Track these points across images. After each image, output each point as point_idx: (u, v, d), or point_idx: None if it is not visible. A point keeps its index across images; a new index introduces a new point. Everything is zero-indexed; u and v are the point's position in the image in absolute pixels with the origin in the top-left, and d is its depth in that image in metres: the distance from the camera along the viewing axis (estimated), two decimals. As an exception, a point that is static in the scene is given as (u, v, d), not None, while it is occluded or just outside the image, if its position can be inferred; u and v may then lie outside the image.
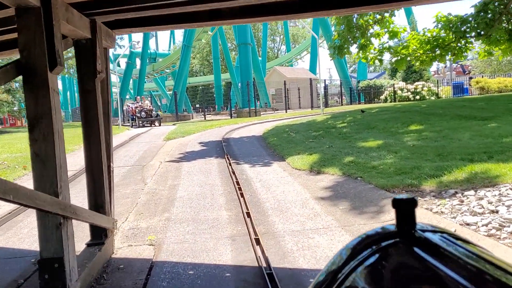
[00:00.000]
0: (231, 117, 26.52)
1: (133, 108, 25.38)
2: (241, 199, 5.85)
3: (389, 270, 0.54)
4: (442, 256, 0.51)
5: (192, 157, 9.86)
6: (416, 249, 0.53)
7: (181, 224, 4.97)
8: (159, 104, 53.74)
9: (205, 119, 28.09)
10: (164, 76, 49.75)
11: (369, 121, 12.01)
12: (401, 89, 30.32)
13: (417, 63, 17.78)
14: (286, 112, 27.97)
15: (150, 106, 25.87)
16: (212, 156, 9.85)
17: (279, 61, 49.00)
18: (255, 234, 4.41)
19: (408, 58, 17.15)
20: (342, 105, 31.84)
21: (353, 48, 16.24)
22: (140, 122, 24.44)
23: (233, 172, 7.65)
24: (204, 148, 11.50)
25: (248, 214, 5.10)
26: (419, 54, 16.81)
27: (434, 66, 58.69)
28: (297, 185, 6.51)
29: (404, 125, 10.33)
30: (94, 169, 3.93)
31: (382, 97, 31.48)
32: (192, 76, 62.39)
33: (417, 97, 29.40)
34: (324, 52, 34.18)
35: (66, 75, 36.55)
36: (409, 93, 29.89)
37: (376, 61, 17.74)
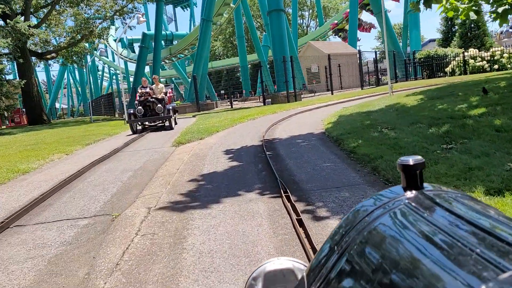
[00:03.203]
0: (264, 104, 21.44)
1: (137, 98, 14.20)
2: None
3: (396, 230, 0.52)
4: (448, 214, 0.50)
5: (212, 193, 4.96)
6: (422, 209, 0.52)
7: None
8: (181, 92, 49.04)
9: (231, 107, 23.16)
10: (183, 60, 45.12)
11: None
12: (473, 58, 24.39)
13: (526, 16, 12.21)
14: (332, 94, 22.65)
15: (162, 94, 14.09)
16: (252, 189, 4.90)
17: (310, 38, 43.38)
18: None
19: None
20: (396, 82, 26.08)
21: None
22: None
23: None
24: (235, 164, 6.54)
25: None
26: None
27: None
28: None
29: None
30: None
31: (448, 69, 25.61)
32: (215, 60, 57.56)
33: (495, 66, 23.48)
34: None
35: (78, 67, 32.43)
36: (484, 62, 23.98)
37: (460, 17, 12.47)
